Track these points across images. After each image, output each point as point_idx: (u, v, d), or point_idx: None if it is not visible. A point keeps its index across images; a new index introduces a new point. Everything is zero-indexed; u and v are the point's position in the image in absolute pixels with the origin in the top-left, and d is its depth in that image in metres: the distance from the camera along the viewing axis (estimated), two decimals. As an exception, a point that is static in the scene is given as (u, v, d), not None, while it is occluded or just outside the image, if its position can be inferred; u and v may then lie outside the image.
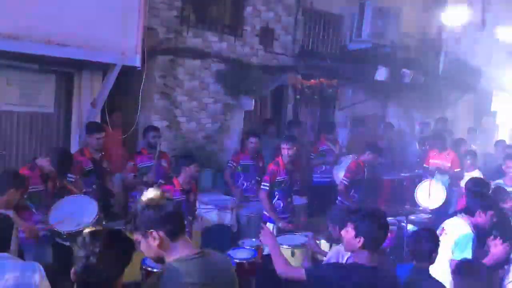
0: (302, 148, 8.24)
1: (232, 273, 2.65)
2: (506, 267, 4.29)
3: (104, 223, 5.08)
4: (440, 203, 7.18)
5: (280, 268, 3.21)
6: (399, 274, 3.45)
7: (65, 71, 6.41)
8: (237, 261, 4.68)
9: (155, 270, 4.11)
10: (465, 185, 5.54)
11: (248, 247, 5.07)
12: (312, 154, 8.45)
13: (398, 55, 10.34)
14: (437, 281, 3.51)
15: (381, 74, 9.56)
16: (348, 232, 3.07)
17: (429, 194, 7.24)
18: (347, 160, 7.88)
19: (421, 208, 7.08)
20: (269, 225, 6.09)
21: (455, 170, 8.01)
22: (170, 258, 2.44)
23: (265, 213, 6.22)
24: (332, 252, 4.14)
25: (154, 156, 6.26)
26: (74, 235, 4.52)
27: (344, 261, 3.67)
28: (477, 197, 4.46)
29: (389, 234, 3.47)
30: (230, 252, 4.89)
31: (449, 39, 11.80)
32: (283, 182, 6.21)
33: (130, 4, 6.11)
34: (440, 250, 3.67)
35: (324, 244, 5.04)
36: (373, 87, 10.20)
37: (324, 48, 9.62)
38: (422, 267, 3.57)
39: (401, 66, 10.02)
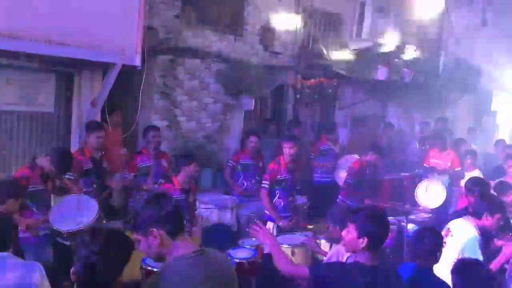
0: (302, 148, 8.24)
1: (231, 271, 2.67)
2: (506, 266, 4.30)
3: (104, 222, 5.09)
4: (440, 203, 7.18)
5: (283, 267, 3.21)
6: (402, 273, 3.45)
7: (65, 70, 6.40)
8: (237, 260, 4.68)
9: (155, 269, 4.11)
10: (465, 184, 5.54)
11: (248, 247, 5.07)
12: (312, 154, 8.45)
13: (398, 54, 10.34)
14: (442, 280, 3.51)
15: (381, 73, 9.56)
16: (350, 233, 3.06)
17: (429, 194, 7.24)
18: (349, 160, 7.89)
19: (421, 207, 7.08)
20: (269, 224, 6.11)
21: (455, 169, 8.02)
22: (170, 257, 2.45)
23: (266, 212, 6.23)
24: (332, 252, 4.14)
25: (151, 156, 6.27)
26: (74, 234, 4.53)
27: (344, 261, 3.67)
28: (484, 200, 4.40)
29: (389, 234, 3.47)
30: (230, 251, 4.89)
31: (449, 39, 11.80)
32: (283, 181, 6.22)
33: (130, 3, 6.11)
34: (446, 251, 3.67)
35: (324, 244, 5.05)
36: (373, 86, 10.20)
37: (324, 47, 9.61)
38: (426, 266, 3.57)
39: (401, 65, 10.02)
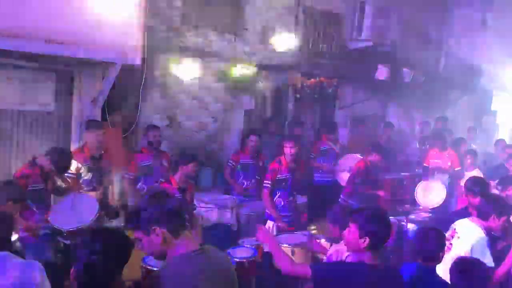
0: (303, 148, 8.24)
1: (232, 270, 2.67)
2: None
3: (104, 221, 5.09)
4: (440, 202, 7.18)
5: (284, 267, 3.20)
6: (404, 273, 3.45)
7: (65, 69, 6.40)
8: (237, 260, 4.68)
9: (155, 268, 4.12)
10: (465, 184, 5.54)
11: (248, 246, 5.07)
12: (312, 153, 8.44)
13: (398, 54, 10.34)
14: (444, 280, 3.51)
15: (381, 73, 9.56)
16: (352, 232, 3.06)
17: (429, 193, 7.24)
18: (350, 160, 7.89)
19: (421, 207, 7.08)
20: (269, 223, 6.12)
21: (455, 169, 8.02)
22: (172, 255, 2.46)
23: (267, 211, 6.24)
24: (332, 251, 4.14)
25: (152, 155, 6.28)
26: (74, 234, 4.53)
27: (344, 259, 3.67)
28: (491, 202, 4.35)
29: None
30: (230, 251, 4.88)
31: (450, 39, 11.80)
32: (284, 181, 6.22)
33: (131, 2, 6.10)
34: (453, 253, 3.66)
35: (324, 244, 5.04)
36: (373, 86, 10.20)
37: (324, 47, 9.61)
38: (429, 266, 3.57)
39: (401, 65, 10.02)
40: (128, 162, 6.46)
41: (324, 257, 4.42)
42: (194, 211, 5.96)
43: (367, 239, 2.98)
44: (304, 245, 5.09)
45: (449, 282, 3.51)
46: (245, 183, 7.18)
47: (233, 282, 2.63)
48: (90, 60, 6.03)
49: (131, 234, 2.62)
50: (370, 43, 9.83)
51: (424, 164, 8.51)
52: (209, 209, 6.57)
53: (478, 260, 3.66)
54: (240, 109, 8.44)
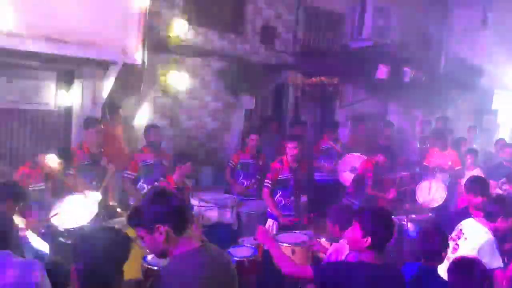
0: (305, 148, 8.25)
1: (232, 269, 2.68)
2: None
3: (104, 220, 5.09)
4: (441, 202, 7.18)
5: (285, 268, 3.20)
6: (406, 273, 3.45)
7: (66, 68, 6.40)
8: (238, 259, 4.68)
9: (155, 268, 4.12)
10: (465, 184, 5.53)
11: (248, 245, 5.07)
12: (314, 153, 8.43)
13: (399, 53, 10.33)
14: (446, 281, 3.50)
15: (382, 72, 9.56)
16: (355, 232, 3.06)
17: (430, 193, 7.24)
18: (351, 159, 7.88)
19: (421, 206, 7.08)
20: (269, 221, 6.13)
21: (456, 168, 8.01)
22: (174, 253, 2.46)
23: (268, 210, 6.25)
24: (332, 250, 4.14)
25: (152, 155, 6.28)
26: (74, 233, 4.53)
27: (344, 258, 3.67)
28: (498, 203, 4.30)
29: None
30: (231, 250, 4.88)
31: (450, 38, 11.79)
32: (285, 181, 6.23)
33: (131, 1, 6.10)
34: (459, 254, 3.65)
35: (324, 243, 5.04)
36: (374, 85, 10.20)
37: (325, 46, 9.61)
38: (431, 266, 3.57)
39: (402, 64, 10.02)
40: (128, 162, 6.45)
41: (324, 256, 4.43)
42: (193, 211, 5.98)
43: (369, 239, 2.99)
44: (304, 244, 5.09)
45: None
46: (245, 183, 7.18)
47: (234, 280, 2.64)
48: (90, 59, 6.02)
49: (131, 232, 2.62)
50: (371, 43, 9.83)
51: (425, 164, 8.50)
52: (209, 208, 6.56)
53: (476, 260, 3.65)
54: (240, 109, 8.44)
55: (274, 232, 5.90)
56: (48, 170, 5.10)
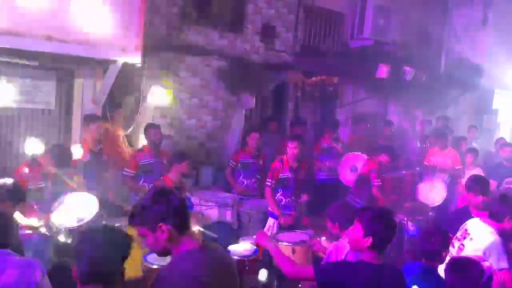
0: (304, 147, 8.24)
1: (233, 267, 2.69)
2: None
3: (104, 219, 5.08)
4: (441, 201, 7.18)
5: (286, 269, 3.21)
6: (407, 272, 3.45)
7: (66, 67, 6.40)
8: (238, 258, 4.68)
9: (154, 266, 4.12)
10: (466, 183, 5.53)
11: (248, 244, 5.07)
12: (314, 152, 8.42)
13: (399, 53, 10.33)
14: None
15: (382, 72, 9.55)
16: (356, 231, 3.06)
17: (430, 192, 7.24)
18: (351, 158, 7.87)
19: (421, 206, 7.08)
20: (270, 220, 6.13)
21: (456, 168, 8.00)
22: (177, 251, 2.46)
23: (269, 208, 6.26)
24: (332, 249, 4.13)
25: (153, 154, 6.29)
26: (74, 232, 4.53)
27: (343, 256, 3.67)
28: (504, 203, 4.25)
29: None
30: (231, 249, 4.89)
31: (450, 38, 11.78)
32: (285, 180, 6.24)
33: (131, 0, 6.09)
34: (464, 254, 3.64)
35: (324, 242, 5.04)
36: (374, 85, 10.19)
37: (325, 45, 9.60)
38: (432, 266, 3.57)
39: (402, 64, 10.01)
40: (128, 160, 6.45)
41: (324, 256, 4.42)
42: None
43: (371, 239, 2.99)
44: (305, 243, 5.09)
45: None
46: (245, 182, 7.17)
47: (235, 279, 2.64)
48: (91, 58, 6.02)
49: (131, 230, 2.62)
50: (371, 42, 9.82)
51: (425, 163, 8.50)
52: (209, 207, 6.57)
53: (472, 259, 3.64)
54: (240, 108, 8.43)
55: (275, 231, 5.91)
56: (47, 170, 5.09)
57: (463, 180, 6.64)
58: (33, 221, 4.69)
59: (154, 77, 7.21)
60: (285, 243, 4.96)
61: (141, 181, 6.33)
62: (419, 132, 10.70)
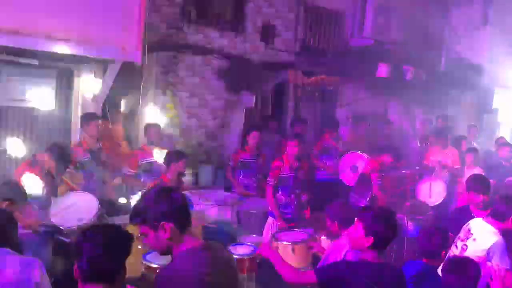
0: (305, 146, 8.23)
1: (234, 266, 2.70)
2: None
3: (104, 218, 5.08)
4: (441, 200, 7.17)
5: (287, 275, 3.21)
6: (408, 271, 3.45)
7: (66, 67, 6.40)
8: (237, 257, 4.68)
9: (154, 265, 4.12)
10: (466, 182, 5.52)
11: (248, 243, 5.06)
12: (314, 151, 8.41)
13: (399, 52, 10.32)
14: None
15: (382, 71, 9.55)
16: (357, 231, 3.06)
17: (430, 191, 7.23)
18: (352, 158, 7.86)
19: (421, 205, 7.07)
20: (270, 219, 6.13)
21: (456, 167, 8.00)
22: (178, 250, 2.46)
23: (269, 208, 6.26)
24: (331, 248, 4.13)
25: (153, 153, 6.27)
26: (74, 232, 4.53)
27: (343, 255, 3.67)
28: (507, 203, 4.21)
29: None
30: (230, 248, 4.88)
31: (451, 37, 11.78)
32: (286, 179, 6.22)
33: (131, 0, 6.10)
34: (467, 254, 3.64)
35: (324, 241, 5.04)
36: (374, 84, 10.19)
37: (325, 44, 9.60)
38: (432, 265, 3.57)
39: (402, 63, 10.01)
40: (129, 159, 6.45)
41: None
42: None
43: (371, 239, 2.99)
44: (305, 242, 5.08)
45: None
46: (245, 181, 7.17)
47: (236, 277, 2.65)
48: (90, 57, 6.02)
49: (132, 228, 2.62)
50: (371, 41, 9.82)
51: (425, 162, 8.49)
52: (209, 206, 6.57)
53: (470, 259, 3.64)
54: (240, 107, 8.43)
55: (274, 230, 5.90)
56: (47, 169, 5.09)
57: (463, 180, 6.64)
58: (33, 221, 4.68)
59: (154, 76, 7.21)
60: (285, 242, 4.96)
61: (142, 180, 6.33)
62: (419, 131, 10.69)
